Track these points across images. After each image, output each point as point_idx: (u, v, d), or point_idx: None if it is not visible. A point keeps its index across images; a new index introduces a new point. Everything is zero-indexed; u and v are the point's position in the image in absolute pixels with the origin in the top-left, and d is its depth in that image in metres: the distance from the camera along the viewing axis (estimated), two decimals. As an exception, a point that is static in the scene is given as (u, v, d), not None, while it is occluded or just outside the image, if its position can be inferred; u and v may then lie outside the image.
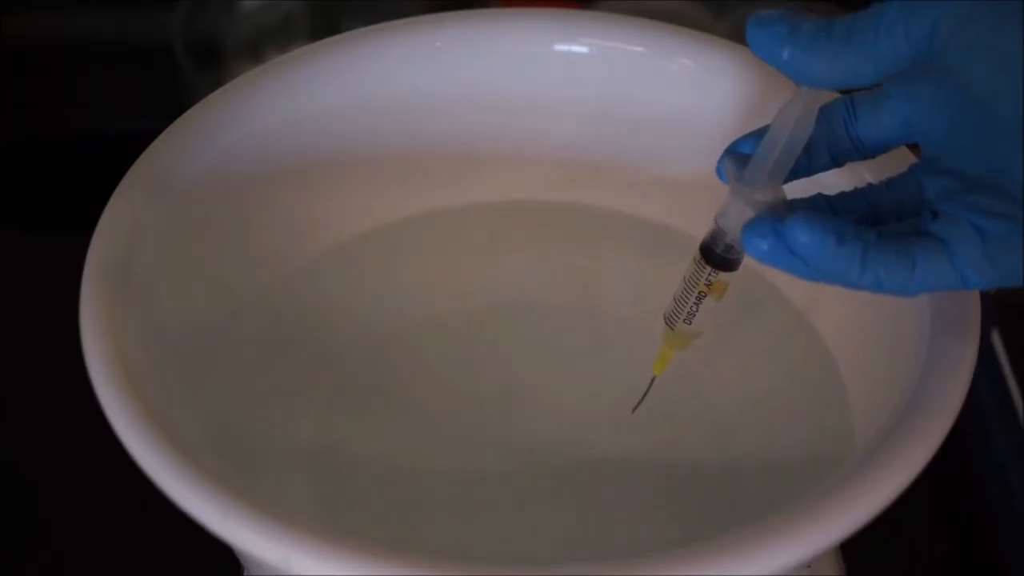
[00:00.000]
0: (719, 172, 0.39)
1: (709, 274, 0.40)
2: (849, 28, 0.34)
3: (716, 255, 0.40)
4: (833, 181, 0.40)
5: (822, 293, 0.47)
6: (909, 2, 0.33)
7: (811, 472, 0.40)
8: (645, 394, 0.44)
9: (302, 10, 0.77)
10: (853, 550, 0.48)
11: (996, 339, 0.58)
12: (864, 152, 0.38)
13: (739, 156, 0.38)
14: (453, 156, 0.52)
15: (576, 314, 0.50)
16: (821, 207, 0.38)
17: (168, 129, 0.45)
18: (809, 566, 0.38)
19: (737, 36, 0.51)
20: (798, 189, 0.39)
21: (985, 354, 0.57)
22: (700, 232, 0.49)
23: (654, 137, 0.51)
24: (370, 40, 0.50)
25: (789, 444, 0.44)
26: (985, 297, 0.41)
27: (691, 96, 0.49)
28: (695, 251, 0.41)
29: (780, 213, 0.36)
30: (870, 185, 0.38)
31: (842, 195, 0.38)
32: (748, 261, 0.41)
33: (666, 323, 0.42)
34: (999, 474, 0.55)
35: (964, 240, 0.35)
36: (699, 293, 0.41)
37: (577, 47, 0.50)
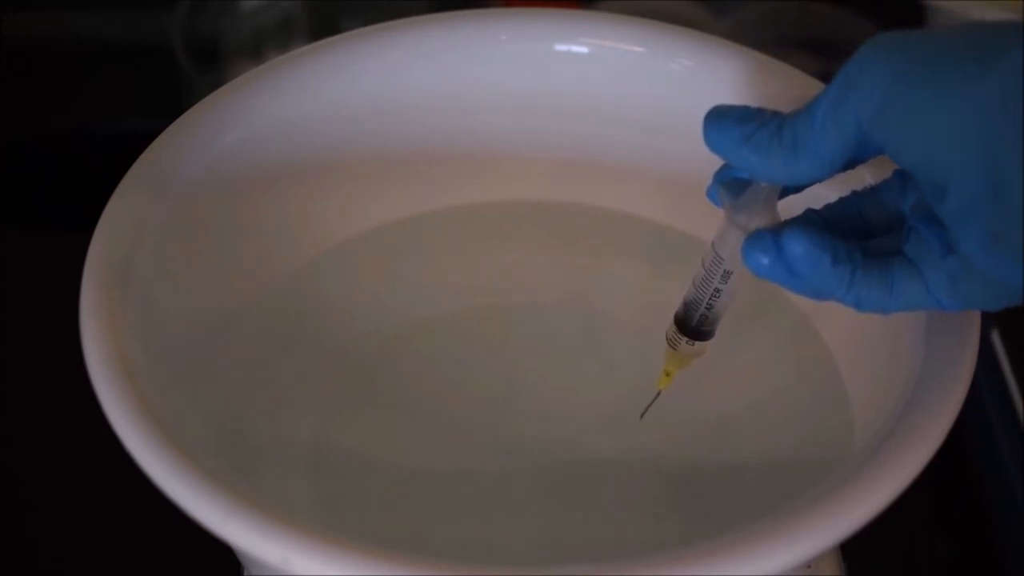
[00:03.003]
0: (712, 197, 0.39)
1: (686, 341, 0.41)
2: (793, 134, 0.35)
3: (690, 327, 0.41)
4: (825, 193, 0.40)
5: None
6: (832, 101, 0.34)
7: (811, 472, 0.40)
8: (651, 404, 0.44)
9: (302, 10, 0.77)
10: (853, 550, 0.48)
11: (996, 339, 0.58)
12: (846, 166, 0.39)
13: (732, 182, 0.38)
14: (453, 156, 0.52)
15: (576, 314, 0.50)
16: (816, 224, 0.38)
17: (168, 129, 0.45)
18: (809, 566, 0.38)
19: (737, 36, 0.51)
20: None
21: (985, 354, 0.57)
22: (700, 232, 0.49)
23: (654, 137, 0.51)
24: (370, 40, 0.50)
25: (790, 444, 0.44)
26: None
27: (691, 96, 0.49)
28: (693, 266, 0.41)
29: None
30: (855, 193, 0.39)
31: (831, 207, 0.39)
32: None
33: (668, 343, 0.42)
34: (999, 474, 0.55)
35: (932, 265, 0.36)
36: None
37: (577, 47, 0.51)
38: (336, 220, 0.50)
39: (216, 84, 0.48)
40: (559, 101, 0.51)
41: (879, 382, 0.41)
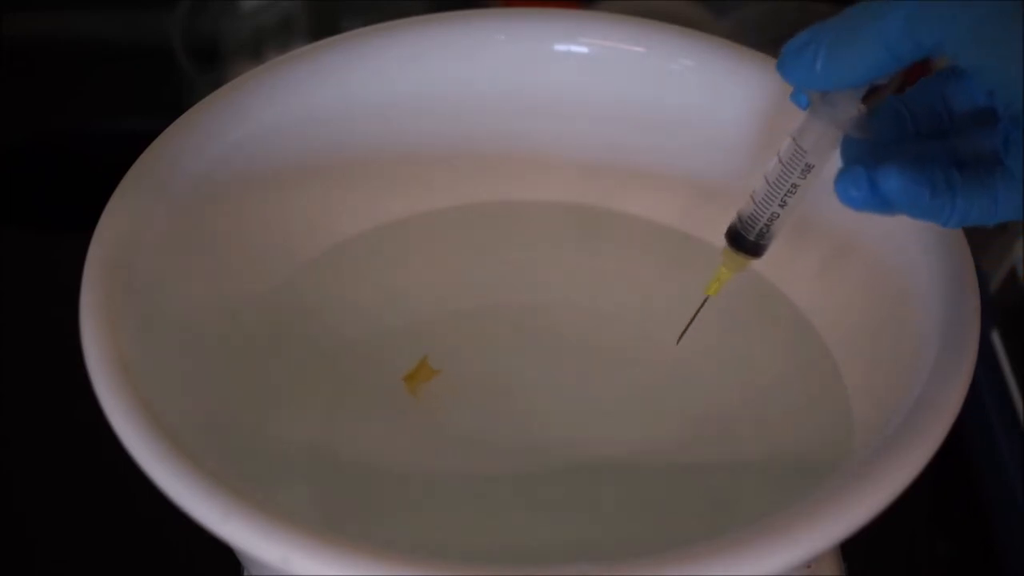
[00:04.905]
0: (797, 99, 0.39)
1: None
2: (856, 41, 0.34)
3: (749, 242, 0.40)
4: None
5: (824, 295, 0.47)
6: (910, 21, 0.33)
7: (811, 472, 0.40)
8: (692, 319, 0.43)
9: (302, 10, 0.77)
10: (853, 550, 0.48)
11: (996, 339, 0.58)
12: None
13: None
14: (452, 156, 0.52)
15: (577, 314, 0.50)
16: (901, 115, 0.38)
17: (168, 129, 0.45)
18: (809, 566, 0.38)
19: (737, 36, 0.51)
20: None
21: (985, 354, 0.57)
22: (700, 230, 0.49)
23: (653, 137, 0.51)
24: (369, 40, 0.50)
25: (789, 444, 0.44)
26: (985, 297, 0.40)
27: (691, 96, 0.49)
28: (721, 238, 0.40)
29: (864, 134, 0.37)
30: (939, 75, 0.38)
31: (912, 94, 0.38)
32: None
33: (728, 242, 0.41)
34: (999, 474, 0.55)
35: None
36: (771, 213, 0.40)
37: (577, 47, 0.50)
38: (336, 220, 0.50)
39: (216, 84, 0.48)
40: (559, 101, 0.51)
41: (879, 382, 0.41)
